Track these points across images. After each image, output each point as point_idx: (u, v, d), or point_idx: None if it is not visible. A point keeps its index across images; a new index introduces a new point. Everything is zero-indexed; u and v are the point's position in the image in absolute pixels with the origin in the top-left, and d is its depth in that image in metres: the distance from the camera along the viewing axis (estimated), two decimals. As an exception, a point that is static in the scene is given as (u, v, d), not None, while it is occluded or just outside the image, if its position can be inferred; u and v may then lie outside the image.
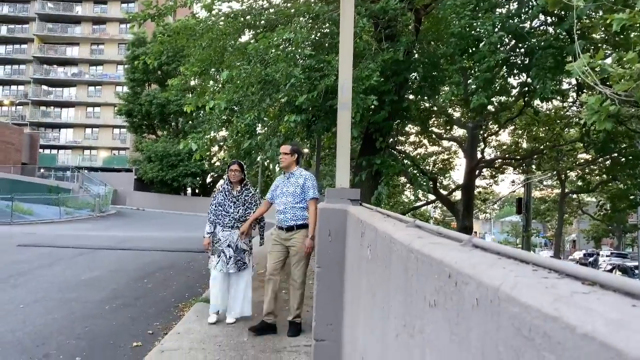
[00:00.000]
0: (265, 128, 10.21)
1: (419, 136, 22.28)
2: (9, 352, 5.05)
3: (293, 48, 8.10)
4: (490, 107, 13.94)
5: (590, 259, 37.26)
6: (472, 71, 9.96)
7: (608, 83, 5.01)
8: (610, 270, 21.78)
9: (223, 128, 9.42)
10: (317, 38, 9.87)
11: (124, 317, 6.47)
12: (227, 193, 6.04)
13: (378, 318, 2.35)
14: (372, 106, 7.93)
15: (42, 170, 48.18)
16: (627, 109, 5.09)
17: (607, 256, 36.39)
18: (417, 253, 1.61)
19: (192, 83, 12.88)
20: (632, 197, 14.07)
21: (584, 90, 10.22)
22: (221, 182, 5.33)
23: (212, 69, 10.70)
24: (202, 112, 10.44)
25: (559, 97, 12.92)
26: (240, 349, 5.04)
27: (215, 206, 6.06)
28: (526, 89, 10.53)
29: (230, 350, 4.99)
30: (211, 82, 11.11)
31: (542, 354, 0.77)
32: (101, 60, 59.37)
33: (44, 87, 60.06)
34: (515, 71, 9.95)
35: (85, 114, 59.70)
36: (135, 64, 17.86)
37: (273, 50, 8.16)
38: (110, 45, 59.49)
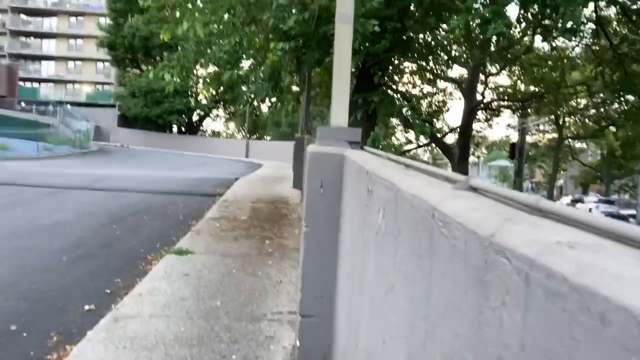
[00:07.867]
0: (251, 59, 9.17)
1: (413, 76, 21.11)
2: None
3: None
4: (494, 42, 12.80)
5: (577, 205, 37.28)
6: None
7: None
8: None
9: (201, 57, 8.31)
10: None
11: (82, 272, 5.62)
12: None
13: (397, 315, 1.51)
14: (372, 33, 6.86)
15: (22, 104, 46.30)
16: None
17: (594, 202, 35.96)
18: (511, 253, 0.72)
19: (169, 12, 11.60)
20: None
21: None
22: None
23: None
24: (182, 42, 9.30)
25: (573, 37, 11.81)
26: (211, 317, 4.22)
27: None
28: (542, 21, 9.47)
29: (199, 319, 4.17)
30: (190, 6, 9.88)
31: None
32: (83, -12, 56.47)
33: (23, 17, 57.16)
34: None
35: (68, 46, 57.30)
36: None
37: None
38: (92, -27, 56.42)
